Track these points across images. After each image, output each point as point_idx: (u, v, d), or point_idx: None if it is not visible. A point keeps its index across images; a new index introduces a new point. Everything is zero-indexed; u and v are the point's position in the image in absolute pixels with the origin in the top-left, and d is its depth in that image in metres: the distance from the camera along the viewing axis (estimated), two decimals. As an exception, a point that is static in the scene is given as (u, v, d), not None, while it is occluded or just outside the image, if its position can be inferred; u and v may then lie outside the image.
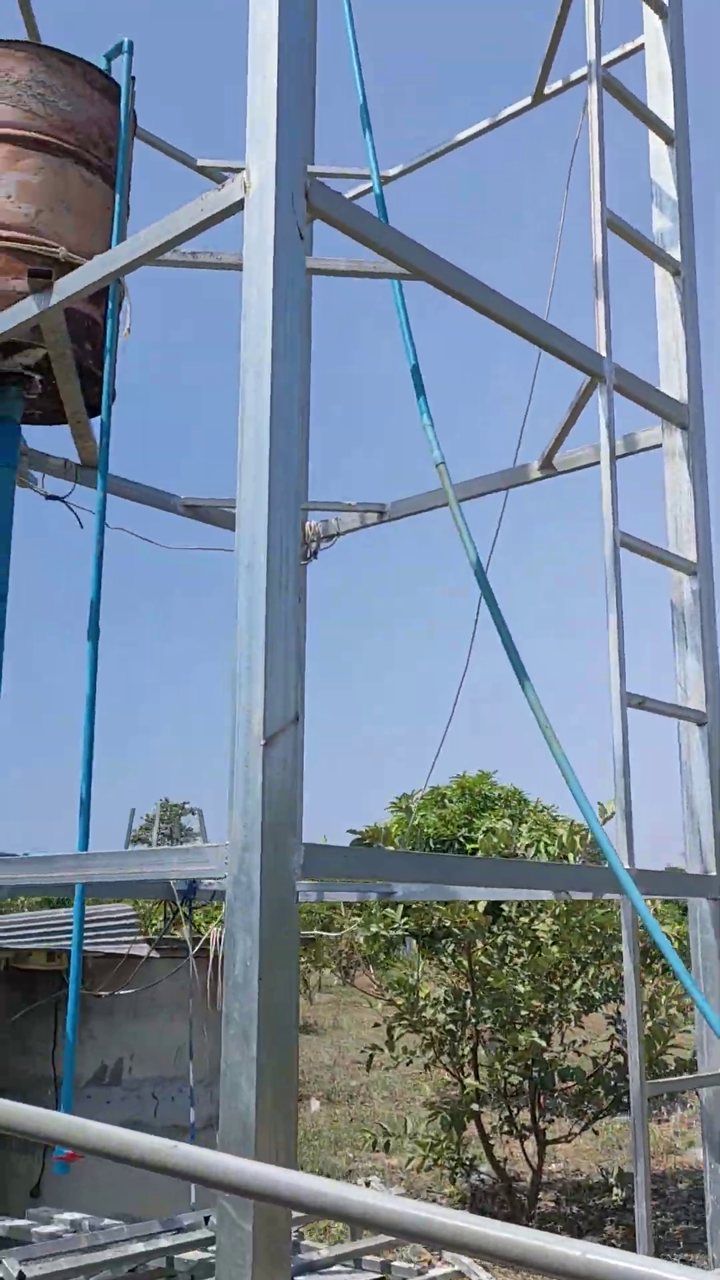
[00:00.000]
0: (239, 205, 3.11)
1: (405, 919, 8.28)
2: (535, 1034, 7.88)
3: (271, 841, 2.66)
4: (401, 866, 3.18)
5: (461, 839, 12.90)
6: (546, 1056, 8.20)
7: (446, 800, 13.54)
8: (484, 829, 10.66)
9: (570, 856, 8.03)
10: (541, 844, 8.75)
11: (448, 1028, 8.23)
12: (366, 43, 4.85)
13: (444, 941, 8.39)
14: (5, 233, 4.11)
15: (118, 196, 4.38)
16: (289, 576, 2.84)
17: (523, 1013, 8.01)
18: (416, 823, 8.74)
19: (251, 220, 2.99)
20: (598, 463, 3.95)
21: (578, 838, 8.00)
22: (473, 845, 10.35)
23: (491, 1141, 8.37)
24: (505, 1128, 8.35)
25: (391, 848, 7.75)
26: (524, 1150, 8.44)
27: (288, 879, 2.69)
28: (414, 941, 9.46)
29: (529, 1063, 8.04)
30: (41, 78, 4.23)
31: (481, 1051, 8.37)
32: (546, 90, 5.06)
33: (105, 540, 4.22)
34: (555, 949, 8.02)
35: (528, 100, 5.14)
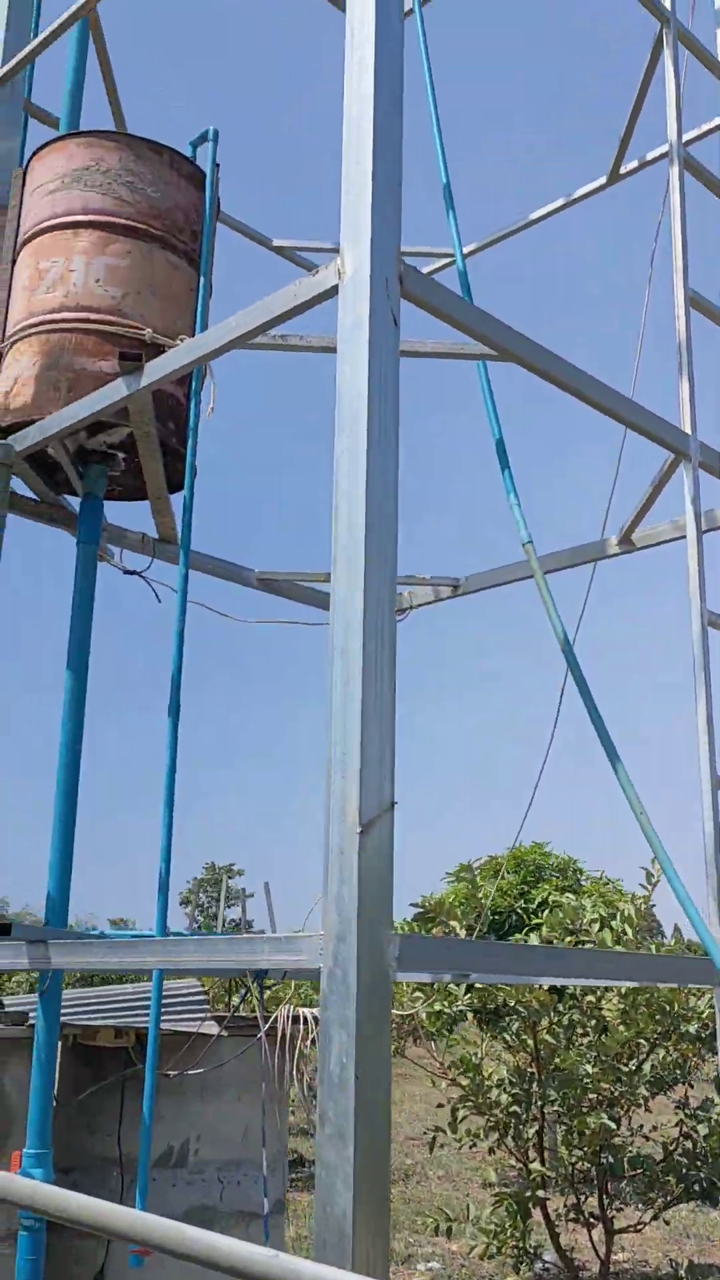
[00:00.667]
0: (332, 291, 3.15)
1: (468, 995, 8.11)
2: (603, 1117, 7.65)
3: (367, 932, 2.61)
4: (503, 958, 3.10)
5: (519, 910, 12.70)
6: (615, 1141, 7.95)
7: (504, 870, 13.34)
8: (547, 903, 10.42)
9: (629, 931, 7.86)
10: (605, 919, 8.56)
11: (512, 1109, 8.01)
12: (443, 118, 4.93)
13: (507, 1019, 8.20)
14: (94, 315, 4.19)
15: (201, 279, 4.46)
16: (384, 663, 2.81)
17: (590, 1095, 7.78)
18: (480, 896, 8.58)
19: (346, 307, 3.02)
20: (679, 538, 3.91)
21: (637, 913, 7.83)
22: (534, 920, 10.12)
23: (557, 1229, 8.10)
24: (571, 1215, 8.08)
25: (455, 924, 7.61)
26: (590, 1239, 8.16)
27: (384, 971, 2.63)
28: (472, 1015, 9.25)
29: (597, 1148, 7.79)
30: (131, 166, 4.34)
31: (547, 1134, 8.13)
32: (623, 169, 5.11)
33: (158, 602, 4.23)
34: (623, 1028, 7.81)
35: (603, 179, 5.19)
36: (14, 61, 4.81)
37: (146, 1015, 5.08)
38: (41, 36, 4.68)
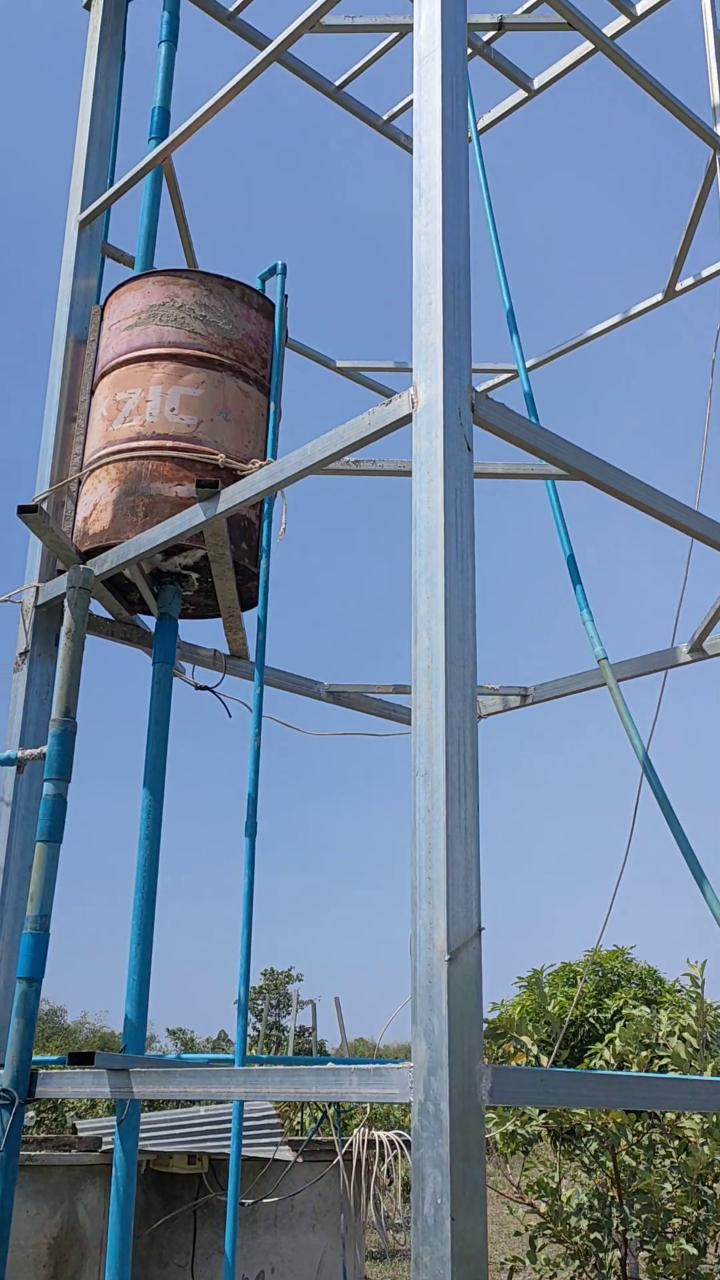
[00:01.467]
0: (406, 419, 3.23)
1: (542, 1114, 7.84)
2: (687, 1244, 7.30)
3: (459, 1064, 2.56)
4: (599, 1090, 3.01)
5: (591, 1020, 12.32)
6: (701, 1269, 7.56)
7: (578, 976, 12.98)
8: (621, 1014, 10.08)
9: (691, 1040, 7.60)
10: (680, 1029, 8.28)
11: (593, 1236, 7.68)
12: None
13: (584, 1140, 7.91)
14: (169, 442, 4.33)
15: (271, 404, 4.60)
16: (467, 785, 2.82)
17: (674, 1220, 7.44)
18: (552, 1008, 8.32)
19: (420, 435, 3.10)
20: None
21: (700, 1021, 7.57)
22: (608, 1034, 9.79)
23: None
24: (658, 1351, 7.66)
25: (527, 1039, 7.40)
26: None
27: (476, 1106, 2.57)
28: (547, 1134, 8.92)
29: (682, 1276, 7.41)
30: (204, 300, 4.53)
31: (629, 1262, 7.76)
32: (679, 286, 5.22)
33: (228, 716, 4.27)
34: (706, 1148, 7.49)
35: (659, 296, 5.31)
36: (93, 207, 5.08)
37: (220, 1140, 4.98)
38: (118, 185, 4.95)
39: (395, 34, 5.17)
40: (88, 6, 5.65)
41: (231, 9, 5.92)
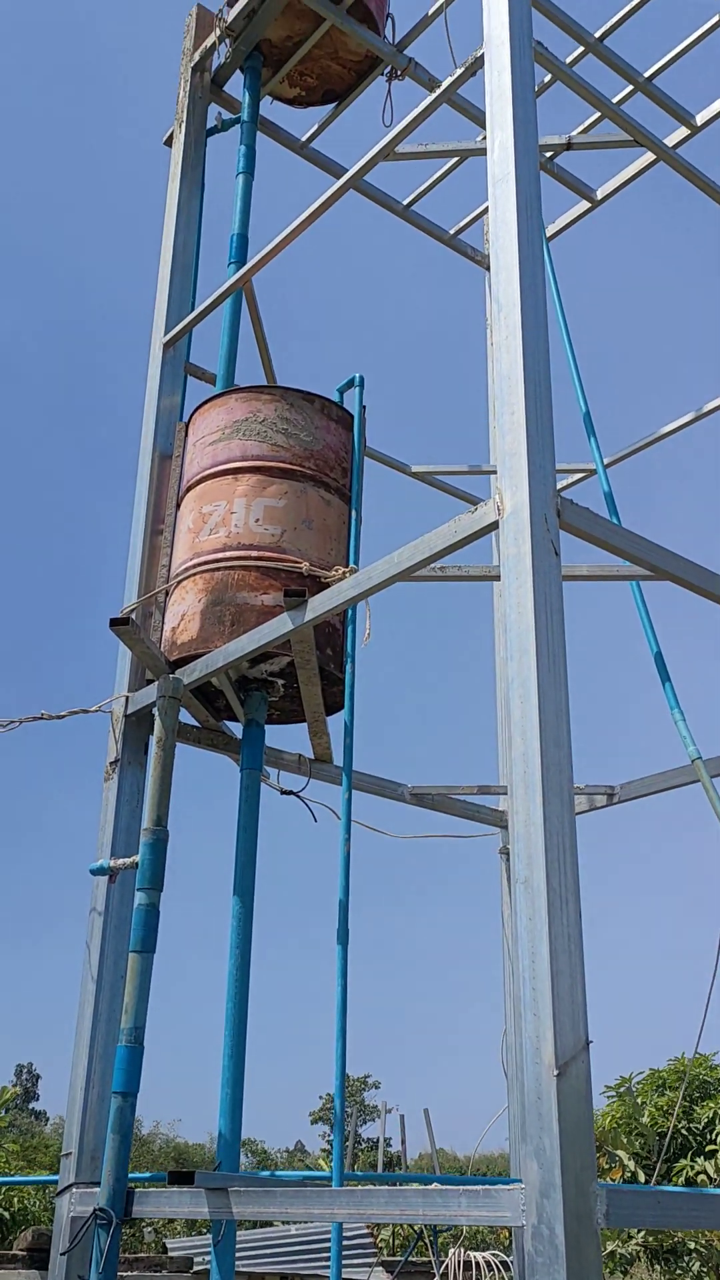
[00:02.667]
0: (492, 527, 3.28)
1: (641, 1233, 7.51)
2: None
3: (573, 1185, 2.49)
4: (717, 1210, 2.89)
5: (683, 1131, 11.81)
6: None
7: (667, 1084, 12.48)
8: (715, 1122, 9.68)
9: None
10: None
11: None
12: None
13: (686, 1260, 7.55)
14: (255, 552, 4.43)
15: (352, 512, 4.69)
16: (569, 891, 2.78)
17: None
18: (646, 1119, 8.00)
19: (508, 542, 3.14)
20: None
21: None
22: (702, 1142, 9.39)
23: None
24: None
25: (622, 1153, 7.14)
26: None
27: (592, 1230, 2.48)
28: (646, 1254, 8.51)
29: None
30: (285, 415, 4.67)
31: None
32: (751, 385, 5.26)
33: (314, 821, 4.27)
34: None
35: (731, 394, 5.35)
36: (176, 330, 5.29)
37: (313, 1260, 4.84)
38: (200, 309, 5.15)
39: (462, 156, 5.37)
40: (168, 143, 5.97)
41: (304, 139, 6.21)
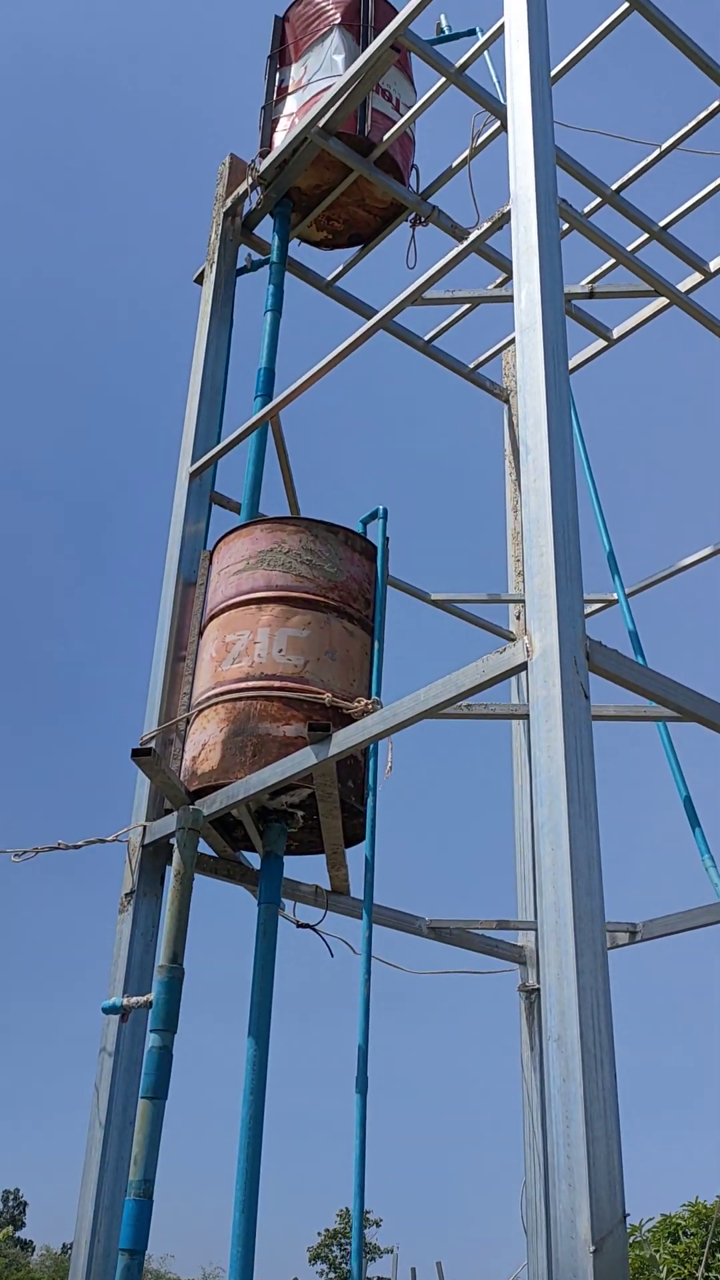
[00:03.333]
0: (520, 667, 3.27)
1: None
2: None
3: None
4: None
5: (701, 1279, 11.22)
6: None
7: (681, 1231, 11.91)
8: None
9: None
10: None
11: None
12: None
13: None
14: (277, 683, 4.43)
15: (375, 643, 4.70)
16: (604, 1050, 2.69)
17: None
18: (663, 1271, 7.62)
19: (537, 683, 3.13)
20: None
21: None
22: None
23: None
24: None
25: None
26: None
27: None
28: None
29: None
30: (310, 545, 4.71)
31: None
32: (769, 521, 5.31)
33: (330, 956, 4.16)
34: None
35: (750, 530, 5.40)
36: (203, 460, 5.39)
37: None
38: (227, 441, 5.26)
39: (488, 301, 5.53)
40: (199, 280, 6.17)
41: (329, 278, 6.42)
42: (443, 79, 5.29)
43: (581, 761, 3.02)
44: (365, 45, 5.88)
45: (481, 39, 5.44)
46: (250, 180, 5.90)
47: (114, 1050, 4.16)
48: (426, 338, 6.71)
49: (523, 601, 6.39)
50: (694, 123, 5.66)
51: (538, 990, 5.61)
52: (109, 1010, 4.12)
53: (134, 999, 4.04)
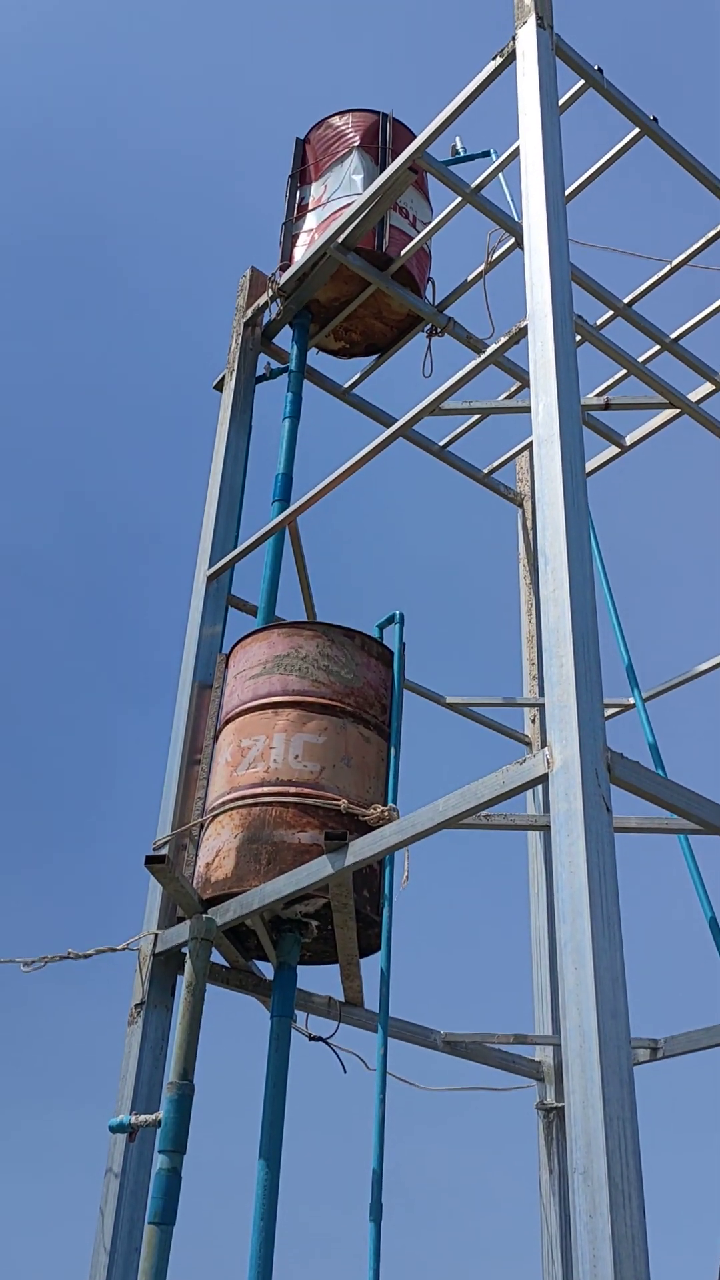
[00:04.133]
0: (541, 779, 3.24)
1: None
2: None
3: None
4: None
5: None
6: None
7: None
8: None
9: None
10: None
11: None
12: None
13: None
14: (293, 789, 4.39)
15: (392, 749, 4.67)
16: (632, 1184, 2.59)
17: None
18: None
19: (558, 796, 3.09)
20: None
21: None
22: None
23: None
24: None
25: None
26: None
27: None
28: None
29: None
30: (327, 651, 4.72)
31: None
32: (786, 628, 5.31)
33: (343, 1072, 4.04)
34: None
35: (766, 636, 5.40)
36: (220, 564, 5.43)
37: None
38: (245, 545, 5.30)
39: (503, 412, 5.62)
40: (219, 387, 6.29)
41: (346, 385, 6.55)
42: (459, 199, 5.46)
43: (604, 877, 2.96)
44: (383, 166, 6.09)
45: (496, 161, 5.62)
46: (271, 292, 6.06)
47: (120, 1171, 4.03)
48: (441, 443, 6.80)
49: (538, 705, 6.39)
50: (703, 240, 5.82)
51: (556, 1109, 5.44)
52: (116, 1129, 4.00)
53: (142, 1117, 3.92)
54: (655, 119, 5.22)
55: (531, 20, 4.66)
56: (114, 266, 15.11)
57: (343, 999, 4.84)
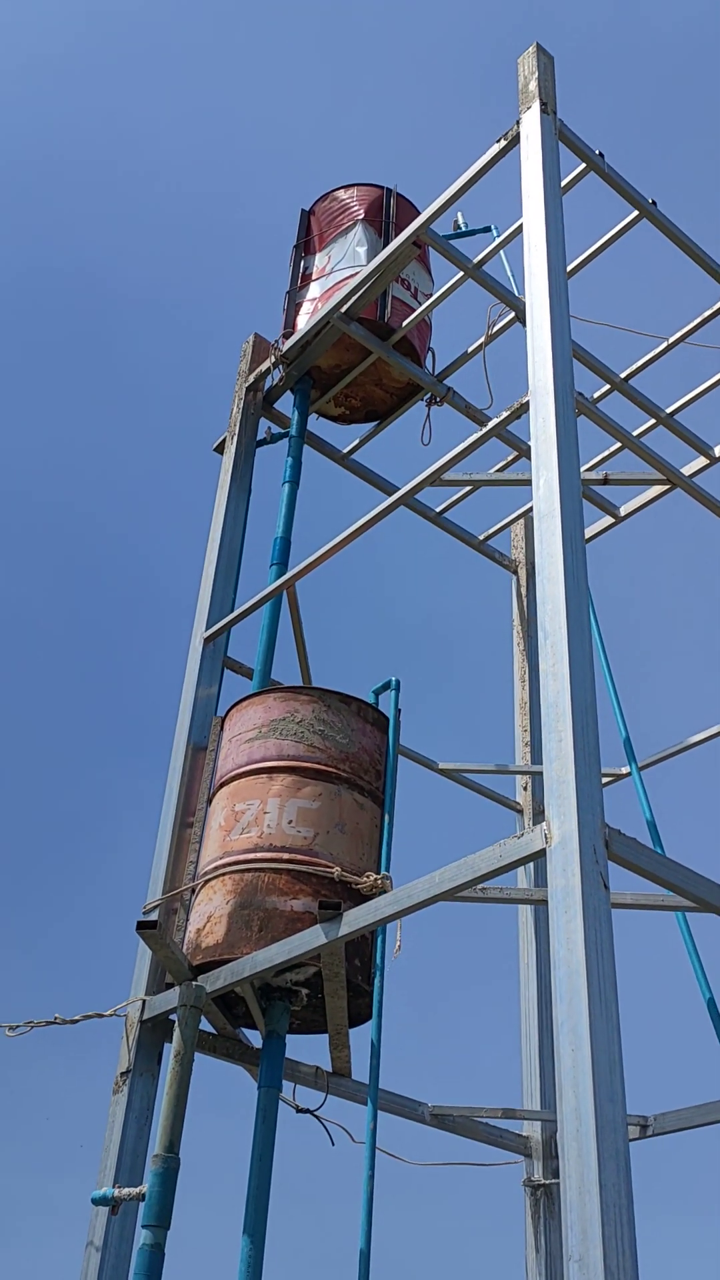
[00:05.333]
0: (539, 854, 3.24)
1: None
2: None
3: None
4: None
5: None
6: None
7: None
8: None
9: None
10: None
11: None
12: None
13: None
14: (286, 855, 4.37)
15: (386, 816, 4.66)
16: (627, 1273, 2.55)
17: None
18: None
19: (556, 872, 3.09)
20: None
21: None
22: None
23: None
24: None
25: None
26: None
27: None
28: None
29: None
30: (323, 715, 4.72)
31: None
32: (779, 702, 5.34)
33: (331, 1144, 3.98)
34: None
35: (759, 709, 5.43)
36: (218, 626, 5.45)
37: None
38: (243, 609, 5.33)
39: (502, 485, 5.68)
40: (219, 450, 6.36)
41: (345, 450, 6.62)
42: (460, 273, 5.56)
43: (602, 956, 2.95)
44: (387, 239, 6.21)
45: (498, 239, 5.74)
46: (274, 358, 6.14)
47: (101, 1245, 3.94)
48: (438, 509, 6.87)
49: (530, 773, 6.38)
50: (699, 320, 5.94)
51: (544, 1186, 5.35)
52: (99, 1201, 3.92)
53: (126, 1190, 3.85)
54: (654, 202, 5.35)
55: (536, 106, 4.80)
56: (115, 327, 15.31)
57: (331, 1069, 4.78)
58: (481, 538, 7.13)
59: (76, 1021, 4.28)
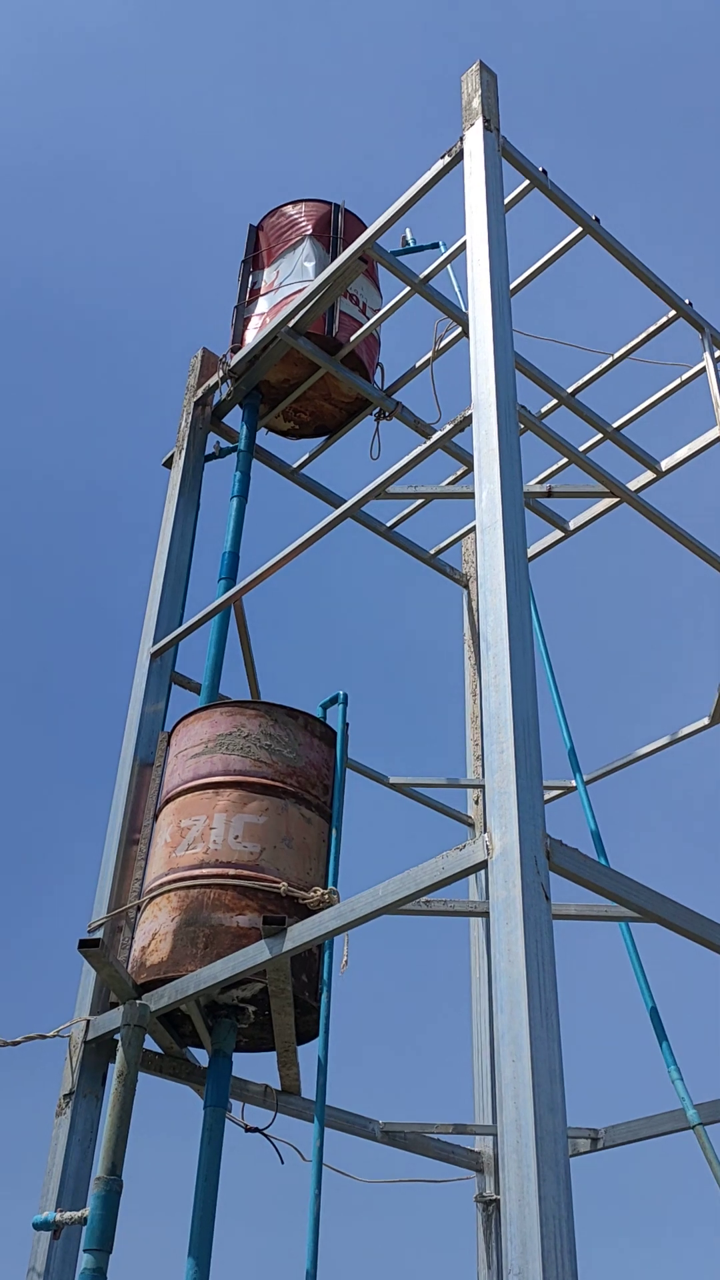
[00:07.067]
0: (480, 865, 3.23)
1: None
2: None
3: None
4: None
5: None
6: None
7: None
8: None
9: None
10: None
11: None
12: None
13: None
14: (232, 870, 4.33)
15: (333, 831, 4.63)
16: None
17: None
18: None
19: (497, 883, 3.08)
20: None
21: None
22: None
23: None
24: None
25: None
26: None
27: None
28: None
29: None
30: (269, 730, 4.70)
31: None
32: (724, 713, 5.39)
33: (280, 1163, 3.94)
34: None
35: (705, 720, 5.47)
36: (165, 641, 5.41)
37: None
38: (190, 623, 5.29)
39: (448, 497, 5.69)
40: (167, 464, 6.33)
41: (295, 465, 6.62)
42: (407, 288, 5.59)
43: (543, 966, 2.95)
44: (335, 254, 6.23)
45: (445, 254, 5.77)
46: (222, 373, 6.13)
47: (43, 1271, 3.86)
48: (388, 524, 6.88)
49: (481, 787, 6.39)
50: (644, 335, 6.00)
51: (495, 1201, 5.33)
52: (40, 1226, 3.85)
53: (67, 1214, 3.78)
54: (597, 219, 5.40)
55: (479, 123, 4.84)
56: (64, 340, 15.23)
57: (279, 1087, 4.73)
58: (433, 552, 7.15)
59: (19, 1043, 4.20)
